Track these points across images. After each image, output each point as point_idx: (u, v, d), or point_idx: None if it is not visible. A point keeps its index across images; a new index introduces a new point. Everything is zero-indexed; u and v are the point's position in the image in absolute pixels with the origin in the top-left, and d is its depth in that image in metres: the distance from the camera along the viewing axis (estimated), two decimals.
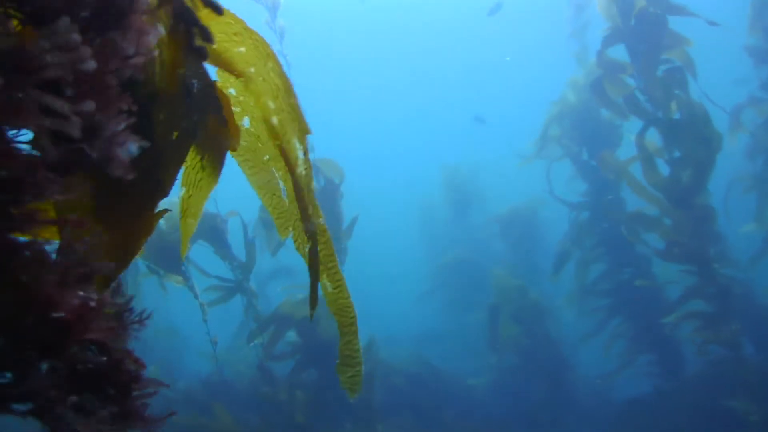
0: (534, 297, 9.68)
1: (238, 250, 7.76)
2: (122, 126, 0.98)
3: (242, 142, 1.52)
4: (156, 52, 1.21)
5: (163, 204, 1.42)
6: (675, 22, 7.97)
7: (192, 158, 1.52)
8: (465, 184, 15.63)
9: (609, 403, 9.02)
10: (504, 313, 9.78)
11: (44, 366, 1.02)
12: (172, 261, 6.68)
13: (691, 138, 7.42)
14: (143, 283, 8.29)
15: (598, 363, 9.46)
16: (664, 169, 7.73)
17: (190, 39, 1.24)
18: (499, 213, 13.32)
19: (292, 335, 7.43)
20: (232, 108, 1.44)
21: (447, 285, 13.95)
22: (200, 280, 7.57)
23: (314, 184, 6.62)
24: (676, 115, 7.58)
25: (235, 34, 1.32)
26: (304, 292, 8.28)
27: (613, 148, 8.89)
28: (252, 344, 7.63)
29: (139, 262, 7.22)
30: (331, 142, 8.03)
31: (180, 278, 6.85)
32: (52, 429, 1.02)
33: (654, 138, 7.93)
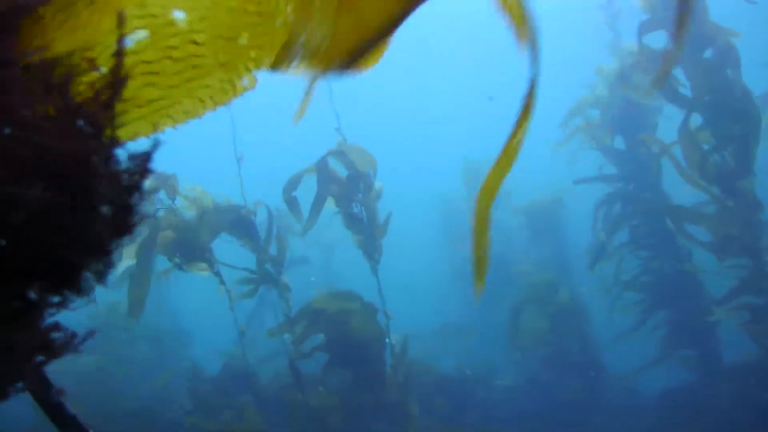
0: (563, 292, 9.33)
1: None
2: None
3: None
4: None
5: None
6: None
7: None
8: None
9: (644, 398, 8.71)
10: (530, 310, 9.45)
11: None
12: (196, 250, 6.30)
13: (734, 119, 7.17)
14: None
15: (628, 359, 9.13)
16: (707, 157, 7.41)
17: None
18: (523, 206, 13.01)
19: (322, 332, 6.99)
20: None
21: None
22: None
23: (340, 174, 6.07)
24: (718, 99, 7.31)
25: None
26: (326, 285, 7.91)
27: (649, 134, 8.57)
28: (272, 337, 7.20)
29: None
30: (351, 137, 7.68)
31: (205, 265, 6.43)
32: None
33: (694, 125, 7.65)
